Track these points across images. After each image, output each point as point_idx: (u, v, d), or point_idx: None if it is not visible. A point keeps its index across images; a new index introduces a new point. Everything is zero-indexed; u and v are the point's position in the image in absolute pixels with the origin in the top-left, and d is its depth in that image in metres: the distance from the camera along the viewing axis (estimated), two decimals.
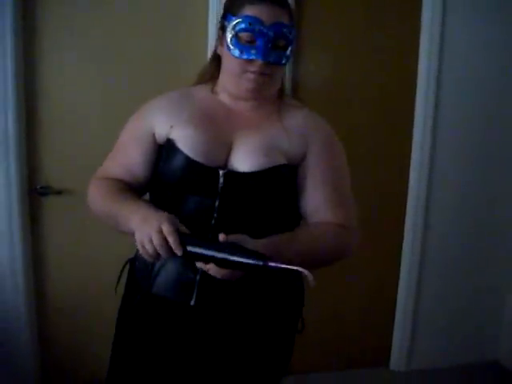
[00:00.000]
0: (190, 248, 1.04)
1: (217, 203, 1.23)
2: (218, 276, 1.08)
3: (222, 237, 1.05)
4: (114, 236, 1.37)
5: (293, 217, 1.34)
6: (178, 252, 1.03)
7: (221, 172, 1.23)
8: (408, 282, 2.85)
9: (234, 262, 1.02)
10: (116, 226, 1.22)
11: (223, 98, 1.33)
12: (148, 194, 1.39)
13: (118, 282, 1.39)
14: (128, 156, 1.33)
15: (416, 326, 2.92)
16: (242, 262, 1.01)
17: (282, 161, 1.25)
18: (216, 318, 1.29)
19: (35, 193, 2.37)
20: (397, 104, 2.69)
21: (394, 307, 2.91)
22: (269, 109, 1.32)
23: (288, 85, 2.42)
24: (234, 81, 1.27)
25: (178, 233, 1.04)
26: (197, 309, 1.27)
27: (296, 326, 1.42)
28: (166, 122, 1.28)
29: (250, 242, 1.08)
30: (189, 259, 1.08)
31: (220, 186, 1.22)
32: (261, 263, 1.00)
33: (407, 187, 2.76)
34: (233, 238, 1.07)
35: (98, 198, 1.31)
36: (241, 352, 1.33)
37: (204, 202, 1.23)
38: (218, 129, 1.28)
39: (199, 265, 1.09)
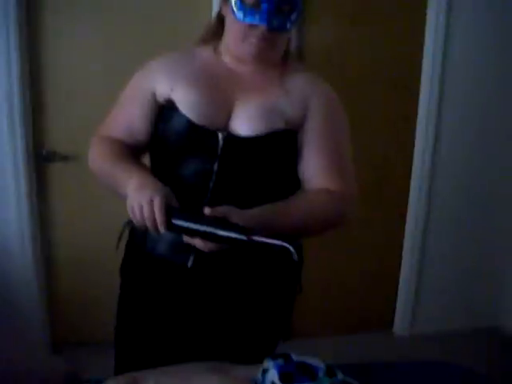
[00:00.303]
0: (176, 221, 1.06)
1: (216, 166, 1.22)
2: (205, 250, 1.09)
3: (207, 210, 1.06)
4: (119, 200, 1.38)
5: (292, 183, 1.33)
6: (161, 229, 1.06)
7: (220, 135, 1.22)
8: (412, 247, 2.88)
9: (218, 235, 1.03)
10: (114, 188, 1.23)
11: (226, 59, 1.31)
12: (148, 155, 1.39)
13: (119, 240, 1.39)
14: (129, 116, 1.33)
15: (419, 291, 2.95)
16: (226, 236, 1.03)
17: (282, 126, 1.24)
18: (214, 280, 1.30)
19: (41, 158, 2.38)
20: (403, 72, 2.67)
21: (398, 271, 2.94)
22: (272, 72, 1.30)
23: (293, 51, 2.41)
24: (237, 44, 1.25)
25: (167, 208, 1.06)
26: (195, 270, 1.28)
27: (295, 287, 1.42)
28: (167, 82, 1.27)
29: (237, 213, 1.08)
30: (175, 232, 1.10)
31: (219, 149, 1.22)
32: (244, 238, 1.01)
33: (412, 152, 2.76)
34: (220, 209, 1.07)
35: (98, 158, 1.32)
36: (239, 312, 1.34)
37: (203, 165, 1.23)
38: (220, 91, 1.26)
39: (186, 238, 1.10)
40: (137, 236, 1.37)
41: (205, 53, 1.33)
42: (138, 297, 1.39)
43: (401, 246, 2.91)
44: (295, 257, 1.02)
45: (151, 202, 1.06)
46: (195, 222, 1.05)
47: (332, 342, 2.79)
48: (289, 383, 0.96)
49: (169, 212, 1.06)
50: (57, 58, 2.29)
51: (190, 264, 1.27)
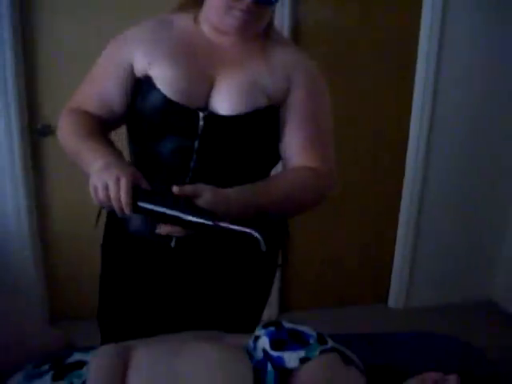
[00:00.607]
0: (142, 204, 1.02)
1: (196, 145, 1.19)
2: (176, 234, 1.08)
3: (175, 188, 1.02)
4: None
5: (274, 160, 1.31)
6: (126, 210, 1.01)
7: (201, 114, 1.17)
8: (407, 220, 2.88)
9: (185, 220, 1.00)
10: (80, 165, 1.18)
11: (206, 29, 1.23)
12: (126, 129, 1.33)
13: (98, 217, 1.35)
14: (104, 87, 1.25)
15: (414, 264, 2.96)
16: (193, 221, 1.00)
17: (264, 102, 1.19)
18: (198, 256, 1.28)
19: (36, 132, 2.37)
20: (399, 47, 2.64)
21: (394, 245, 2.95)
22: (254, 45, 1.23)
23: (288, 26, 2.40)
24: (219, 15, 1.17)
25: (134, 189, 1.01)
26: (178, 249, 1.25)
27: (276, 260, 1.41)
28: (144, 56, 1.21)
29: (210, 191, 1.04)
30: (141, 215, 1.06)
31: (200, 128, 1.17)
32: (211, 223, 0.98)
33: (408, 126, 2.75)
34: (189, 188, 1.04)
35: (65, 133, 1.25)
36: (223, 287, 1.33)
37: (183, 143, 1.19)
38: (199, 65, 1.20)
39: (158, 230, 1.08)
40: (116, 215, 1.33)
41: (183, 22, 1.25)
42: (120, 275, 1.37)
43: (396, 220, 2.91)
44: (263, 246, 0.98)
45: (118, 181, 1.01)
46: (161, 206, 1.01)
47: (327, 314, 2.81)
48: (280, 350, 0.97)
49: (135, 193, 1.02)
50: (51, 31, 2.27)
51: (173, 244, 1.25)
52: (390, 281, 3.02)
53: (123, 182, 1.01)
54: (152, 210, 1.02)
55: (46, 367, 0.91)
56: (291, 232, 1.43)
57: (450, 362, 1.31)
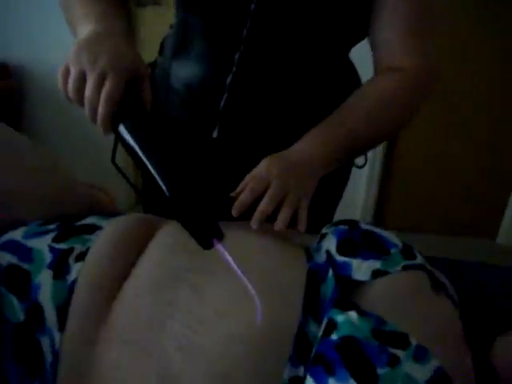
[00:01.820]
0: (122, 130, 0.67)
1: (252, 8, 0.88)
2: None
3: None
4: None
5: (357, 39, 0.99)
6: (104, 131, 0.68)
7: None
8: None
9: (150, 172, 0.66)
10: (71, 28, 0.83)
11: None
12: None
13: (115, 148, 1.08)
14: None
15: None
16: (155, 178, 0.65)
17: None
18: (243, 151, 1.03)
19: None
20: None
21: None
22: None
23: None
24: None
25: (123, 99, 0.66)
26: (220, 141, 1.03)
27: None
28: None
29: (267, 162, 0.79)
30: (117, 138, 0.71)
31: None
32: (167, 194, 0.64)
33: None
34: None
35: None
36: None
37: (236, 8, 0.89)
38: None
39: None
40: (156, 81, 1.09)
41: None
42: None
43: None
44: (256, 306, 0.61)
45: (100, 77, 0.64)
46: (139, 144, 0.66)
47: (423, 239, 2.57)
48: (348, 255, 0.71)
49: (122, 109, 0.66)
50: None
51: (215, 134, 1.02)
52: (502, 215, 2.71)
53: (109, 85, 0.64)
54: (127, 143, 0.67)
55: (53, 226, 0.73)
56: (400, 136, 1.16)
57: None
